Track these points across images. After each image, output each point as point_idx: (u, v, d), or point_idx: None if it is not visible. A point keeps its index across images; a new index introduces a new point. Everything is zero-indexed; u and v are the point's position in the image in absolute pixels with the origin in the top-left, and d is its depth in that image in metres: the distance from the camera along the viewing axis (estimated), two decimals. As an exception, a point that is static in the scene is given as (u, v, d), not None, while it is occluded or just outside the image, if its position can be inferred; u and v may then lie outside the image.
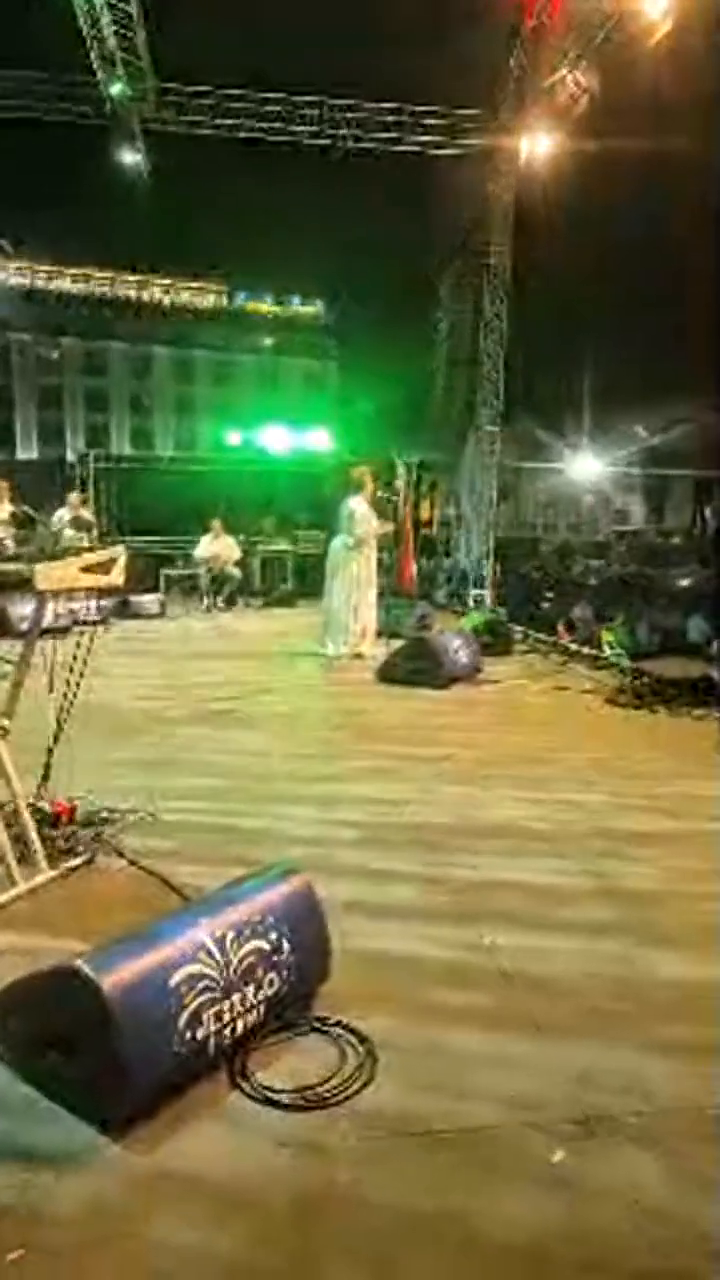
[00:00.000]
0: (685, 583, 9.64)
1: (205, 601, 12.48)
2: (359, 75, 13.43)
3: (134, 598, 10.85)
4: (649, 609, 8.21)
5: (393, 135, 12.85)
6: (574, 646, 8.12)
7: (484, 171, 12.94)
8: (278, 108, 12.71)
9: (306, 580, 13.33)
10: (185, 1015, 1.76)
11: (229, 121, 12.74)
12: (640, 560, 13.30)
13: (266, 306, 54.56)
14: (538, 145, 11.93)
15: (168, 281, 52.70)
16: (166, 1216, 1.50)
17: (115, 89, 11.95)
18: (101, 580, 2.90)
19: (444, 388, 15.28)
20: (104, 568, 2.89)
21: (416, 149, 12.91)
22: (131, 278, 51.70)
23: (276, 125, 12.78)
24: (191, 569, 13.12)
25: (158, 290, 52.76)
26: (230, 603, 12.63)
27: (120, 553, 2.96)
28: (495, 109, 12.41)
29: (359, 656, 7.54)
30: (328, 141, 12.89)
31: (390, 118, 12.79)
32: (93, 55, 11.57)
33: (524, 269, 13.51)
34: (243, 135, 12.89)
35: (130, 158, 13.08)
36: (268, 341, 52.73)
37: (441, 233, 14.62)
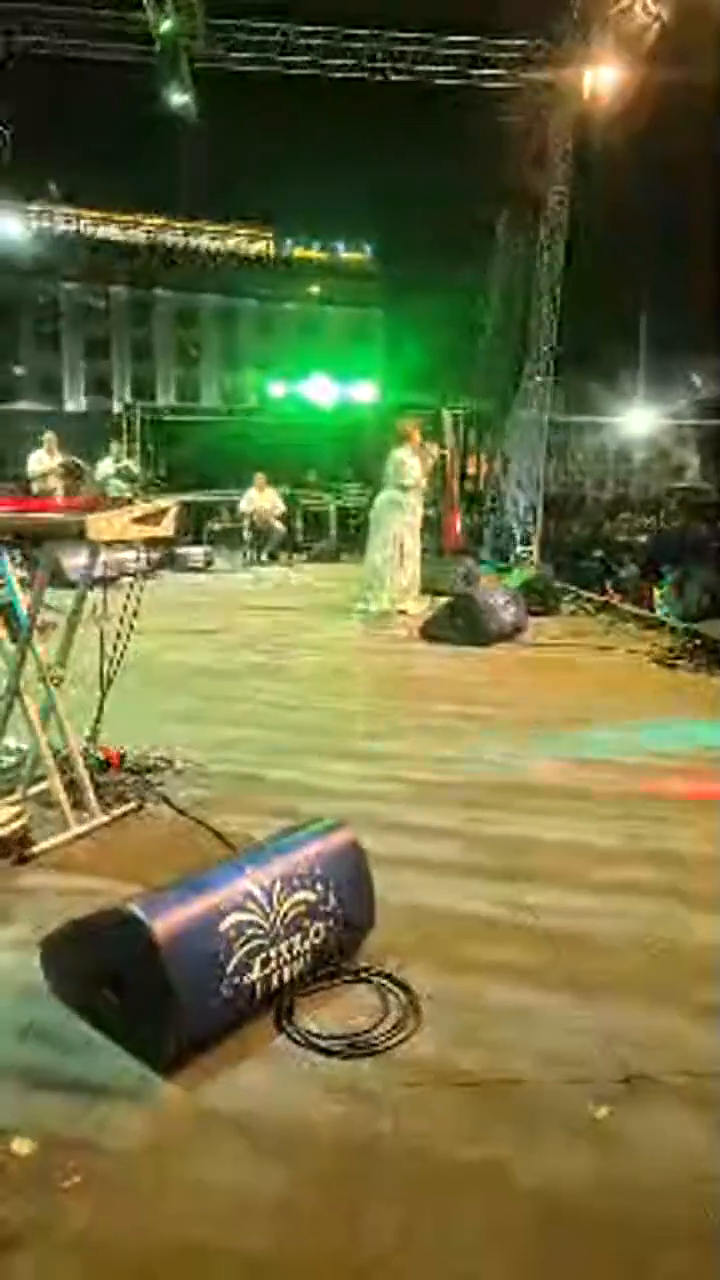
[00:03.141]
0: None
1: (249, 555, 12.52)
2: (412, 5, 12.92)
3: (180, 550, 10.93)
4: (702, 568, 8.03)
5: (448, 68, 12.37)
6: (623, 605, 7.99)
7: (543, 107, 12.43)
8: (328, 42, 12.30)
9: (350, 534, 13.29)
10: (234, 960, 1.81)
11: (279, 58, 12.38)
12: (694, 517, 12.99)
13: (314, 253, 53.56)
14: (602, 78, 11.41)
15: (214, 228, 51.94)
16: (211, 1154, 1.55)
17: (165, 26, 11.66)
18: (152, 531, 2.92)
19: (494, 337, 14.93)
20: (155, 519, 2.90)
21: (474, 83, 12.42)
22: (178, 224, 51.03)
23: (327, 61, 12.39)
24: (236, 522, 13.14)
25: (205, 237, 52.05)
26: (274, 557, 12.64)
27: (171, 504, 2.97)
28: (558, 39, 11.84)
29: (403, 613, 7.52)
30: (380, 77, 12.47)
31: (445, 50, 12.30)
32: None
33: (582, 211, 13.02)
34: (293, 73, 12.53)
35: (179, 99, 12.81)
36: (314, 289, 51.88)
37: (496, 174, 14.12)
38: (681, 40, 10.64)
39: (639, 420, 29.85)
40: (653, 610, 7.66)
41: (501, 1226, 1.40)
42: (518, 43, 12.20)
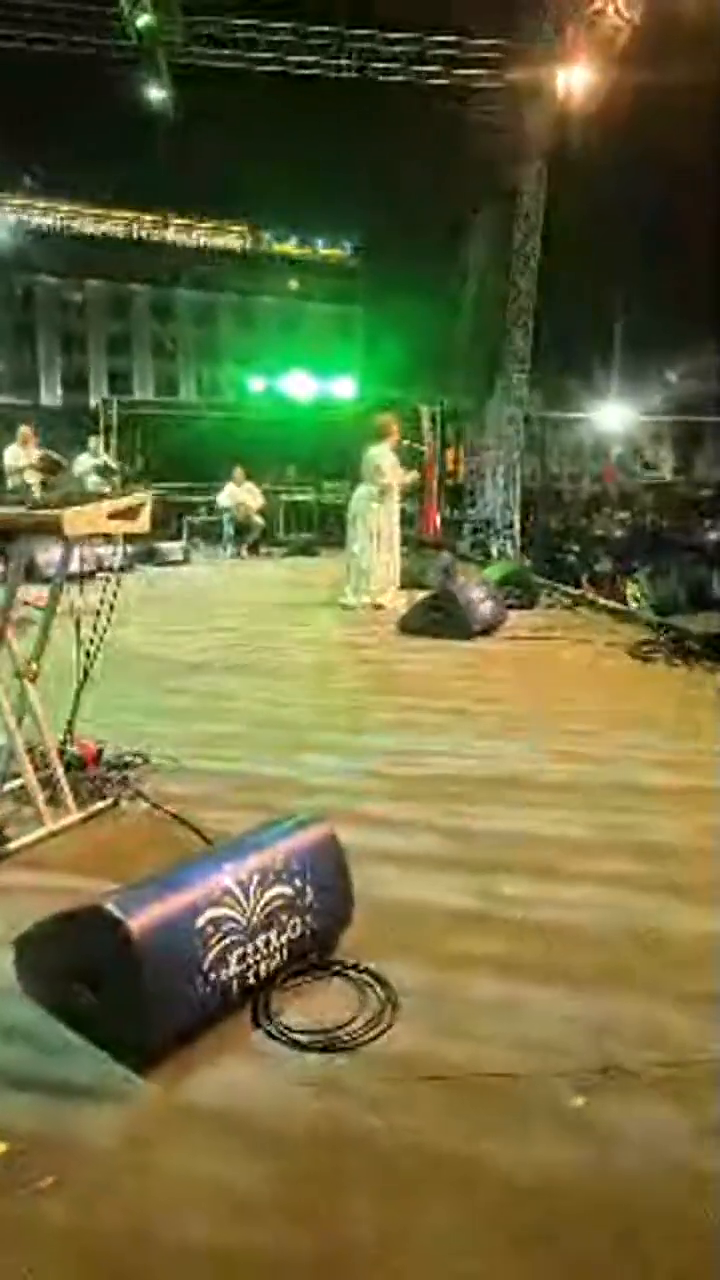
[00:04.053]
0: (715, 536, 9.52)
1: (228, 549, 12.48)
2: (390, 4, 12.89)
3: (158, 545, 10.87)
4: (676, 563, 8.09)
5: (425, 68, 12.37)
6: (599, 599, 8.04)
7: (519, 107, 12.47)
8: (305, 40, 12.25)
9: (329, 529, 13.28)
10: (210, 957, 1.79)
11: (256, 55, 12.32)
12: (669, 512, 13.10)
13: (292, 248, 53.37)
14: (576, 79, 11.47)
15: (192, 223, 51.59)
16: (192, 1151, 1.53)
17: (142, 22, 11.57)
18: (128, 526, 2.89)
19: (472, 334, 14.95)
20: (130, 513, 2.87)
21: (449, 82, 12.43)
22: (156, 218, 50.65)
23: (305, 58, 12.34)
24: (214, 516, 13.10)
25: (183, 232, 51.70)
26: (253, 551, 12.62)
27: (146, 498, 2.94)
28: (532, 40, 11.89)
29: (380, 607, 7.52)
30: (357, 74, 12.44)
31: (422, 49, 12.29)
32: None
33: (558, 209, 13.08)
34: (270, 69, 12.47)
35: (157, 94, 12.72)
36: (293, 285, 51.74)
37: (474, 173, 14.14)
38: (657, 42, 10.72)
39: (615, 417, 30.05)
40: (626, 604, 7.71)
41: (490, 1224, 1.39)
42: (494, 43, 12.22)
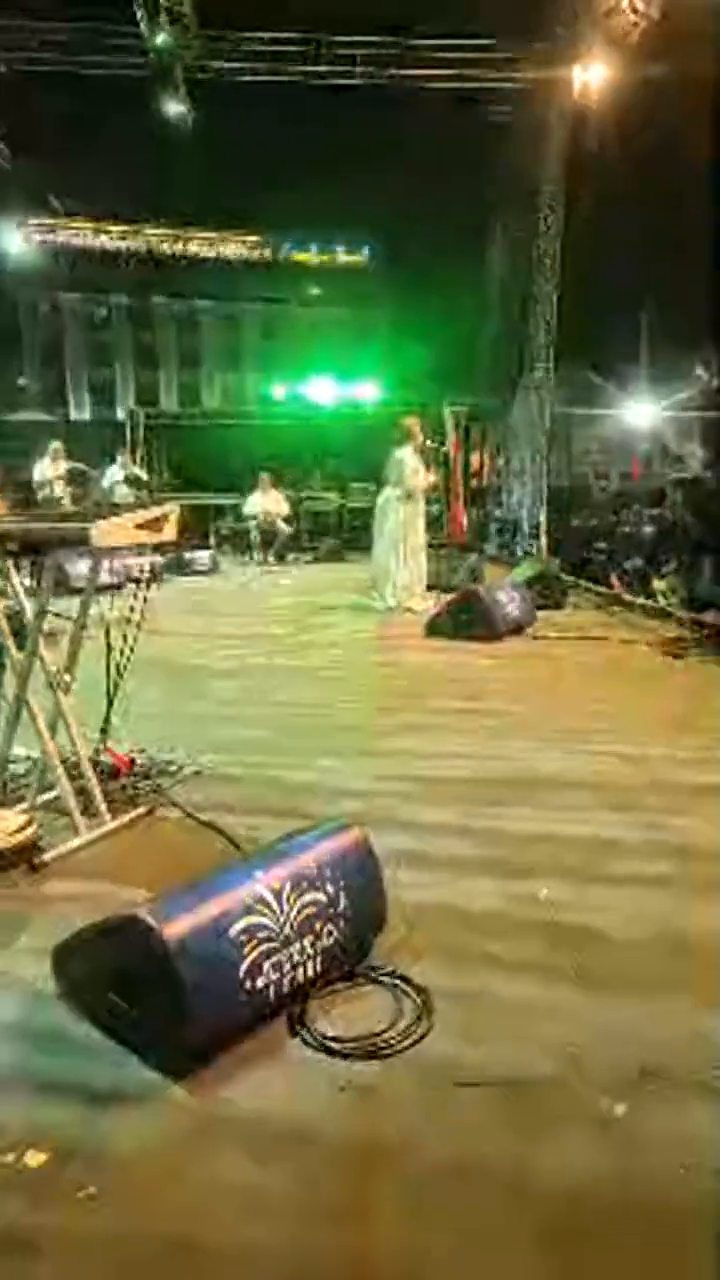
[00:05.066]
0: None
1: (255, 556, 12.54)
2: (405, 9, 12.89)
3: (186, 554, 10.95)
4: (707, 559, 7.99)
5: (442, 72, 12.36)
6: (628, 597, 7.97)
7: (537, 106, 12.42)
8: (320, 50, 12.30)
9: (355, 533, 13.29)
10: (245, 964, 1.80)
11: (272, 65, 12.39)
12: (698, 509, 12.93)
13: (313, 256, 53.56)
14: (594, 76, 11.41)
15: (213, 234, 51.97)
16: (224, 1158, 1.54)
17: (159, 39, 11.70)
18: (155, 536, 2.92)
19: (495, 333, 14.92)
20: (157, 524, 2.90)
21: (467, 84, 12.41)
22: (177, 232, 51.10)
23: (320, 69, 12.40)
24: (241, 524, 13.17)
25: (204, 244, 52.10)
26: (280, 557, 12.66)
27: (173, 509, 2.97)
28: (548, 38, 11.85)
29: (408, 610, 7.52)
30: (372, 82, 12.47)
31: (437, 53, 12.28)
32: (136, 5, 11.32)
33: (579, 207, 13.00)
34: (286, 79, 12.54)
35: (174, 109, 12.85)
36: (314, 292, 51.89)
37: (493, 174, 14.11)
38: (678, 34, 10.62)
39: (643, 412, 29.75)
40: (657, 601, 7.63)
41: (523, 1228, 1.39)
42: (511, 43, 12.18)
